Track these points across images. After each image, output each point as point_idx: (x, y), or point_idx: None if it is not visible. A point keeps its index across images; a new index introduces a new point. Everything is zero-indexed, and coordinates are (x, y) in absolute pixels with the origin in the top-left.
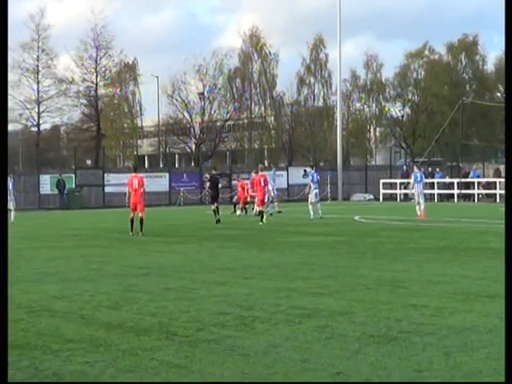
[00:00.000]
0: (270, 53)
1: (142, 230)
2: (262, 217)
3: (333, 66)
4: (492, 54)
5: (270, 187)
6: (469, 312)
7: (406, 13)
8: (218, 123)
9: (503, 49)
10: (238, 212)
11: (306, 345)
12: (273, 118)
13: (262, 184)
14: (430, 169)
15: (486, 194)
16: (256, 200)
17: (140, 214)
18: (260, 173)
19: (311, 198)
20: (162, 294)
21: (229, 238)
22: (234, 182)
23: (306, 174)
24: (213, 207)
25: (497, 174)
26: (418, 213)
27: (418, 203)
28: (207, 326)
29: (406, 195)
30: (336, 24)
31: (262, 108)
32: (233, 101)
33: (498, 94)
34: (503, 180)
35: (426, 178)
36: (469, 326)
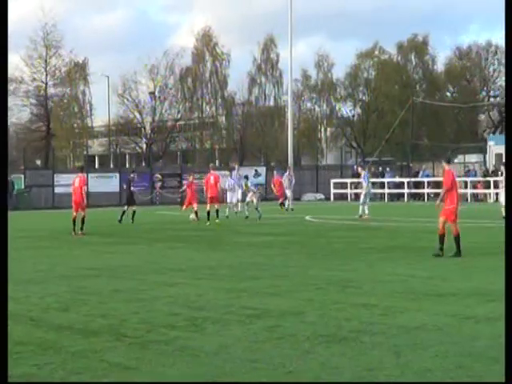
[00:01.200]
0: (222, 52)
1: (82, 229)
2: (213, 215)
3: (284, 65)
4: (442, 54)
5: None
6: (418, 311)
7: (358, 13)
8: (169, 123)
9: (453, 48)
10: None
11: (257, 345)
12: (224, 117)
13: (212, 182)
14: (380, 168)
15: (436, 194)
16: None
17: (82, 214)
18: (212, 171)
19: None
20: (112, 296)
21: (180, 239)
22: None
23: (257, 174)
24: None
25: None
26: (367, 212)
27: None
28: (157, 327)
29: (356, 195)
30: (288, 24)
31: (214, 108)
32: (184, 100)
33: (448, 94)
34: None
35: (377, 177)
36: (418, 325)
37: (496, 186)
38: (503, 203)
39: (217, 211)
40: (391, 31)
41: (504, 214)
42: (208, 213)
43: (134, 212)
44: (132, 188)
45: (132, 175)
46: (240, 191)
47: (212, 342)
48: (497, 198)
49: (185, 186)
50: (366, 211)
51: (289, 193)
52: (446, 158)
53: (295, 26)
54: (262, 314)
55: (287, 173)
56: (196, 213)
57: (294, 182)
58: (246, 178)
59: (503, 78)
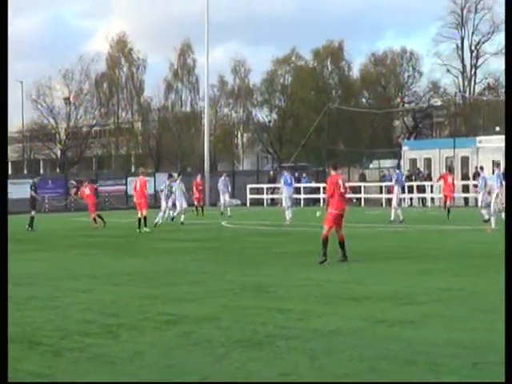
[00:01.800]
0: (137, 58)
1: None
2: (142, 224)
3: (201, 71)
4: (358, 60)
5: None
6: (333, 315)
7: (275, 19)
8: (84, 129)
9: (369, 54)
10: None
11: (172, 351)
12: (140, 123)
13: (138, 188)
14: (296, 174)
15: (351, 198)
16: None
17: None
18: (141, 177)
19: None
20: (26, 303)
21: (96, 246)
22: (100, 189)
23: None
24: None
25: (362, 178)
26: (287, 218)
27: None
28: (72, 334)
29: (272, 200)
30: (204, 29)
31: (129, 113)
32: (99, 106)
33: (363, 100)
34: (368, 184)
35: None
36: (333, 329)
37: (410, 191)
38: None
39: (144, 219)
40: (308, 37)
41: (392, 217)
42: (139, 220)
43: (33, 218)
44: (33, 193)
45: (35, 180)
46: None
47: (127, 348)
48: (411, 203)
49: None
50: (288, 217)
51: (226, 197)
52: (332, 164)
53: (212, 32)
54: (178, 320)
55: (222, 177)
56: (94, 219)
57: (229, 186)
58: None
59: (418, 84)
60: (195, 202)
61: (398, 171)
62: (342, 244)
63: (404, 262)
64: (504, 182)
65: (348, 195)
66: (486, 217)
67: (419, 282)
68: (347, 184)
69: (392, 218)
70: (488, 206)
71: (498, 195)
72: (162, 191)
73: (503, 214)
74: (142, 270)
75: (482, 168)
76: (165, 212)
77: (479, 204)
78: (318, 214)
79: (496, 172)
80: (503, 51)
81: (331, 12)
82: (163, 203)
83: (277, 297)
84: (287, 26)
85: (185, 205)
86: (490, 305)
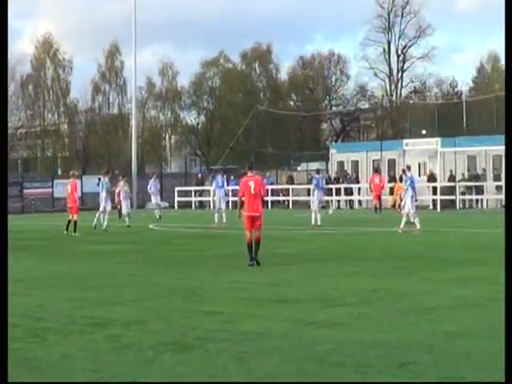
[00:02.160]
0: (63, 59)
1: None
2: (71, 229)
3: (128, 73)
4: (287, 63)
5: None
6: (261, 317)
7: (204, 21)
8: (10, 131)
9: (297, 58)
10: None
11: (100, 355)
12: (66, 125)
13: (69, 191)
14: (225, 176)
15: (277, 201)
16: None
17: None
18: (72, 179)
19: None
20: None
21: (21, 248)
22: (26, 191)
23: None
24: None
25: (290, 180)
26: (216, 220)
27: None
28: None
29: (201, 203)
30: (133, 32)
31: (56, 115)
32: (25, 108)
33: (291, 103)
34: (296, 186)
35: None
36: (262, 331)
37: (338, 193)
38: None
39: (74, 223)
40: (237, 40)
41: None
42: (72, 222)
43: None
44: None
45: None
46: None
47: (54, 352)
48: (339, 205)
49: None
50: (216, 219)
51: (158, 199)
52: (248, 164)
53: (140, 34)
54: (106, 323)
55: (152, 179)
56: None
57: (159, 187)
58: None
59: (345, 87)
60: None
61: (317, 176)
62: (256, 244)
63: (332, 263)
64: (417, 185)
65: (266, 197)
66: (411, 219)
67: (347, 284)
68: (275, 187)
69: (313, 223)
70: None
71: (412, 198)
72: (107, 191)
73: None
74: (69, 273)
75: (408, 168)
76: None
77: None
78: (330, 212)
79: (408, 175)
80: (429, 55)
81: (260, 15)
82: (106, 205)
83: (206, 299)
84: (216, 28)
85: (128, 209)
86: (416, 306)
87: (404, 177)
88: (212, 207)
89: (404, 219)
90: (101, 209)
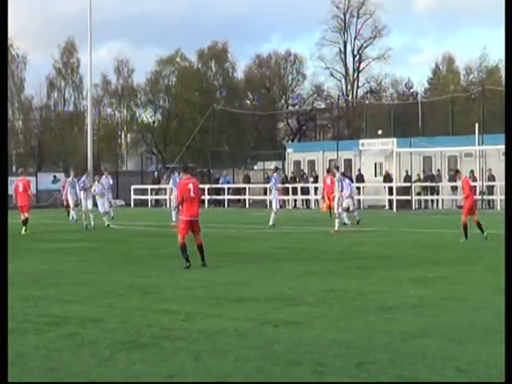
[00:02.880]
0: (17, 55)
1: None
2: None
3: (84, 70)
4: (242, 62)
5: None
6: (219, 316)
7: (160, 19)
8: None
9: (253, 57)
10: None
11: (55, 353)
12: (21, 122)
13: (21, 189)
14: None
15: (235, 200)
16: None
17: None
18: (21, 177)
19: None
20: None
21: None
22: None
23: (55, 180)
24: None
25: (246, 179)
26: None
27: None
28: None
29: (157, 201)
30: (89, 28)
31: (10, 111)
32: None
33: (248, 102)
34: (252, 185)
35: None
36: (219, 330)
37: (294, 192)
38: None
39: (26, 221)
40: (193, 38)
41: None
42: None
43: None
44: None
45: None
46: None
47: (9, 352)
48: (295, 205)
49: None
50: (174, 217)
51: (110, 197)
52: (182, 167)
53: (97, 31)
54: (61, 321)
55: (104, 176)
56: None
57: (111, 183)
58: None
59: (301, 87)
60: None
61: (274, 174)
62: (200, 248)
63: (290, 263)
64: (349, 186)
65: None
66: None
67: (304, 284)
68: (232, 186)
69: (271, 223)
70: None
71: (339, 198)
72: (84, 189)
73: (345, 216)
74: (24, 272)
75: (337, 168)
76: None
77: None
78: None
79: (338, 175)
80: (385, 56)
81: (217, 13)
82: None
83: (163, 298)
84: (173, 26)
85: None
86: (373, 305)
87: (336, 175)
88: (169, 205)
89: (337, 220)
90: (83, 209)
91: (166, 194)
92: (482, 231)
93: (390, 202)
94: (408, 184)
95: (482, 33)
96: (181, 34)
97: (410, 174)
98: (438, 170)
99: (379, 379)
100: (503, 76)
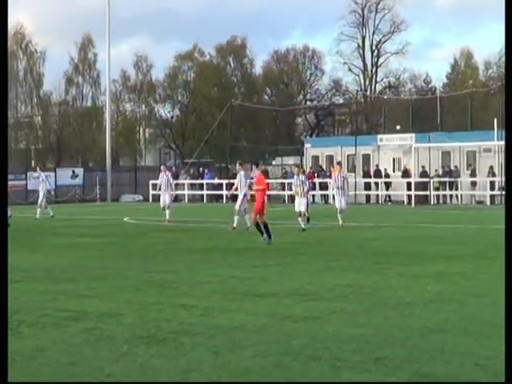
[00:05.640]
0: (36, 51)
1: None
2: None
3: (103, 66)
4: (261, 57)
5: None
6: (237, 311)
7: (180, 15)
8: None
9: (271, 52)
10: None
11: (74, 348)
12: (40, 117)
13: None
14: (200, 169)
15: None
16: None
17: None
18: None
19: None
20: None
21: None
22: None
23: (74, 175)
24: None
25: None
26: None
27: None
28: None
29: (175, 196)
30: (107, 24)
31: (29, 107)
32: None
33: (266, 97)
34: (270, 181)
35: (197, 178)
36: (237, 325)
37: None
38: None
39: None
40: (213, 34)
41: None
42: None
43: None
44: None
45: None
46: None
47: (28, 345)
48: (313, 200)
49: None
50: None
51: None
52: (255, 162)
53: (116, 27)
54: (80, 316)
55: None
56: None
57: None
58: None
59: (320, 82)
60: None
61: (300, 176)
62: (266, 226)
63: (307, 258)
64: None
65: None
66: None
67: (322, 279)
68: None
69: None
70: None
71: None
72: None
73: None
74: (43, 266)
75: (298, 166)
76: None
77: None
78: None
79: (241, 173)
80: (403, 51)
81: (237, 9)
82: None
83: (181, 293)
84: (192, 21)
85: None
86: (391, 301)
87: (297, 176)
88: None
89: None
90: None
91: (184, 189)
92: None
93: (409, 197)
94: (426, 179)
95: (502, 28)
96: (200, 30)
97: (427, 169)
98: (456, 166)
99: (397, 374)
100: None
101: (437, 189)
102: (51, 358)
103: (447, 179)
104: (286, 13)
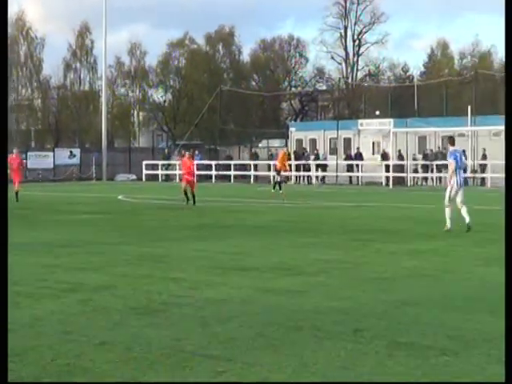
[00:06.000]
0: (36, 37)
1: None
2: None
3: (99, 52)
4: (248, 45)
5: None
6: (224, 284)
7: (175, 4)
8: None
9: (258, 40)
10: None
11: (71, 317)
12: (39, 100)
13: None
14: (190, 151)
15: (241, 175)
16: None
17: None
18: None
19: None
20: None
21: None
22: None
23: (72, 155)
24: None
25: (254, 156)
26: None
27: None
28: None
29: (167, 176)
30: (104, 12)
31: (29, 90)
32: None
33: (253, 83)
34: (258, 162)
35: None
36: (223, 298)
37: (298, 169)
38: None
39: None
40: (204, 23)
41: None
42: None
43: None
44: None
45: None
46: None
47: (26, 315)
48: (298, 180)
49: None
50: None
51: None
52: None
53: (113, 16)
54: (76, 287)
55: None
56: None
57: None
58: None
59: (304, 70)
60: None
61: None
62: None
63: (291, 235)
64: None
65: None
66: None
67: (304, 254)
68: (238, 162)
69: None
70: None
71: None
72: None
73: None
74: (42, 241)
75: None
76: None
77: None
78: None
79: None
80: (383, 40)
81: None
82: None
83: (171, 267)
84: (187, 10)
85: None
86: (369, 275)
87: None
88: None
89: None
90: None
91: (175, 169)
92: None
93: (387, 178)
94: (403, 162)
95: (476, 19)
96: (195, 19)
97: (402, 152)
98: (431, 150)
99: (375, 344)
100: (495, 61)
101: (415, 171)
102: (48, 327)
103: (423, 162)
104: (278, 4)
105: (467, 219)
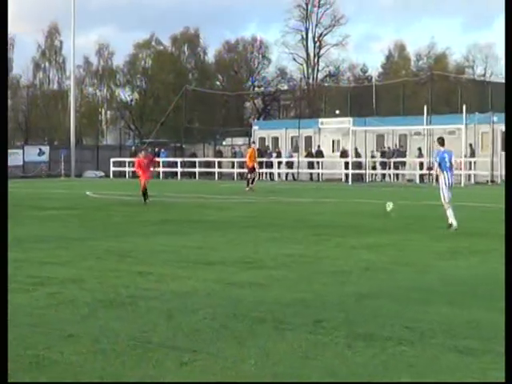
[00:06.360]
0: None
1: None
2: None
3: (68, 52)
4: (213, 47)
5: None
6: (189, 278)
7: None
8: None
9: (222, 42)
10: None
11: (39, 310)
12: (9, 99)
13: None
14: (156, 149)
15: (206, 172)
16: None
17: None
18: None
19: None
20: None
21: None
22: None
23: (41, 152)
24: None
25: (218, 154)
26: None
27: None
28: None
29: (134, 173)
30: (72, 14)
31: None
32: None
33: (218, 83)
34: (222, 159)
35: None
36: (189, 291)
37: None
38: None
39: None
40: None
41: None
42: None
43: None
44: None
45: None
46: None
47: None
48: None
49: None
50: None
51: None
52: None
53: (83, 17)
54: (44, 281)
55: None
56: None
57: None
58: None
59: (266, 70)
60: None
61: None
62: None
63: (253, 230)
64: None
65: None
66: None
67: (267, 249)
68: (203, 159)
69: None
70: None
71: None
72: None
73: None
74: (10, 236)
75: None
76: None
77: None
78: (388, 208)
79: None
80: (343, 42)
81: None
82: None
83: (137, 261)
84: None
85: None
86: (329, 269)
87: None
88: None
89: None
90: None
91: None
92: None
93: (346, 175)
94: (362, 159)
95: (431, 22)
96: (161, 20)
97: (360, 151)
98: (389, 148)
99: (335, 335)
100: (450, 62)
101: (373, 168)
102: (18, 320)
103: (381, 159)
104: (242, 7)
105: (450, 219)
